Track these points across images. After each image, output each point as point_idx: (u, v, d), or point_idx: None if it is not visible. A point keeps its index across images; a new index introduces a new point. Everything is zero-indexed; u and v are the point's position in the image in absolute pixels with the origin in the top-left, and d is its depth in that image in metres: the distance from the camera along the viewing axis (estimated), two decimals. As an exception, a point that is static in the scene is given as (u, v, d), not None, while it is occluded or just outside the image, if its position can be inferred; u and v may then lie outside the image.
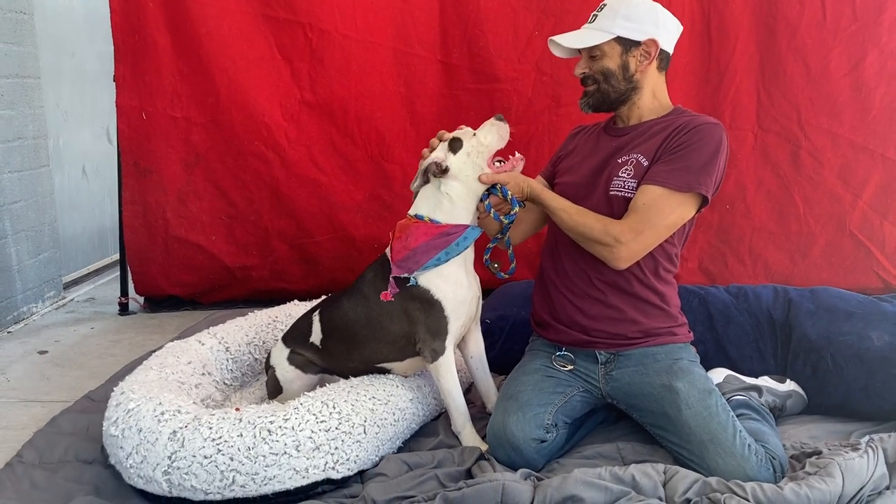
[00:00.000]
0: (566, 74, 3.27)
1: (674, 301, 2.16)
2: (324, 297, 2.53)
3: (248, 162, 3.60)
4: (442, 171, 2.09)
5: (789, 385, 2.32)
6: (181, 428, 1.88)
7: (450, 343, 2.11)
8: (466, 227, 2.10)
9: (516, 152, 2.16)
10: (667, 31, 2.10)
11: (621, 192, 2.06)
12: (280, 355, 2.32)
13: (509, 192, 2.08)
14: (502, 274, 2.24)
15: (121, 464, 1.95)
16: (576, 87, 2.22)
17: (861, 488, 1.77)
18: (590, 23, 2.13)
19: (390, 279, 2.09)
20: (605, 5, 2.12)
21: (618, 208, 2.06)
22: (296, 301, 2.99)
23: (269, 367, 2.36)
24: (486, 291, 2.40)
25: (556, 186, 2.26)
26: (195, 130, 3.57)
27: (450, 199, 2.10)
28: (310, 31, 3.49)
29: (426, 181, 2.14)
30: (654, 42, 2.08)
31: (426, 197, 2.14)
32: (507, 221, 2.15)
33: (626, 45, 2.08)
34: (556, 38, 2.16)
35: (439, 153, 2.11)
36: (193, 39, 3.46)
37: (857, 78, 3.37)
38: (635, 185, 2.04)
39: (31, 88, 3.83)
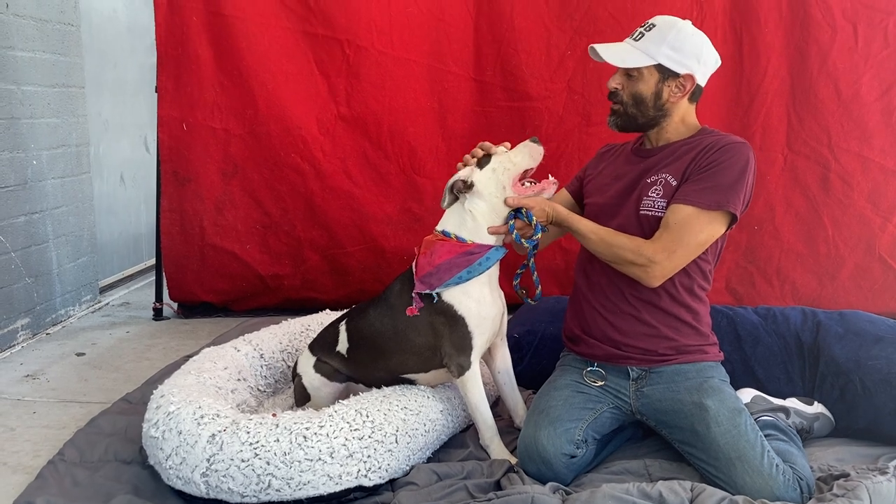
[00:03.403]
0: (597, 94, 3.30)
1: (706, 320, 2.18)
2: (354, 306, 2.58)
3: (283, 173, 3.67)
4: (467, 186, 2.12)
5: (817, 407, 2.32)
6: (220, 431, 1.93)
7: (475, 358, 2.14)
8: (490, 247, 2.11)
9: (550, 175, 2.15)
10: (706, 67, 2.10)
11: (651, 211, 2.08)
12: (307, 363, 2.36)
13: (534, 218, 2.06)
14: (530, 300, 2.27)
15: (160, 465, 1.99)
16: (606, 107, 2.23)
17: (888, 512, 1.78)
18: (634, 39, 2.10)
19: (414, 295, 2.12)
20: (653, 26, 2.08)
21: (648, 228, 2.08)
22: (327, 310, 3.03)
23: (295, 375, 2.41)
24: (512, 307, 2.42)
25: (586, 206, 2.29)
26: (234, 142, 3.65)
27: (473, 217, 2.12)
28: (347, 47, 3.56)
29: (455, 199, 2.16)
30: (691, 77, 2.07)
31: (452, 214, 2.17)
32: (528, 246, 2.13)
33: (665, 73, 2.07)
34: (599, 48, 2.14)
35: (465, 171, 2.13)
36: (234, 53, 3.55)
37: (889, 103, 3.37)
38: (665, 204, 2.06)
39: (75, 98, 3.94)
